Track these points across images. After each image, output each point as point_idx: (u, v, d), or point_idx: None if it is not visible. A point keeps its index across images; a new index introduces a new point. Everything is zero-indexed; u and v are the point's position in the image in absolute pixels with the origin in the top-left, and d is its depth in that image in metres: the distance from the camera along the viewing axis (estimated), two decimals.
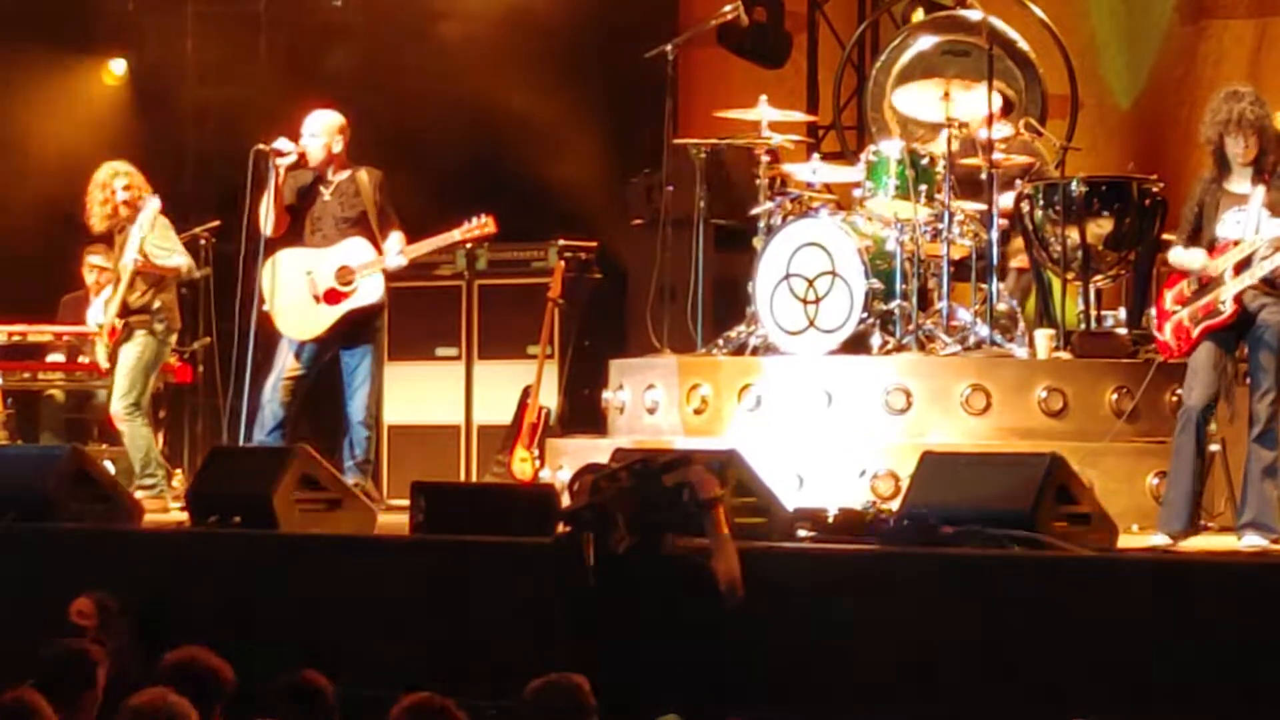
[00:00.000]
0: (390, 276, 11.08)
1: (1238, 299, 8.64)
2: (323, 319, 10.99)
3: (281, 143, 11.07)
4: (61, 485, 9.86)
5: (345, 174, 11.11)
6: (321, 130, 11.09)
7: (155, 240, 11.11)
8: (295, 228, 11.15)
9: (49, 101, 14.60)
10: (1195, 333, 8.76)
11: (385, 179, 11.18)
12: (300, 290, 11.00)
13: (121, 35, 15.28)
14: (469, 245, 12.42)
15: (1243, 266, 8.64)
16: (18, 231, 13.84)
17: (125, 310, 11.12)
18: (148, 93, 15.19)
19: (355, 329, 11.04)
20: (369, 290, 10.98)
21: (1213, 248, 8.77)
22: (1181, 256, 8.90)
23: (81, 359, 12.68)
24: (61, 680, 6.65)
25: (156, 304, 11.06)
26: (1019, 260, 11.40)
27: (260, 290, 11.04)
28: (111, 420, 11.33)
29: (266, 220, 11.03)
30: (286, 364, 11.03)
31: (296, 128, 11.21)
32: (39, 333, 12.76)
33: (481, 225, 11.31)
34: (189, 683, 6.38)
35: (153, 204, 11.12)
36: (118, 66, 15.28)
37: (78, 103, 14.86)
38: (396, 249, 11.00)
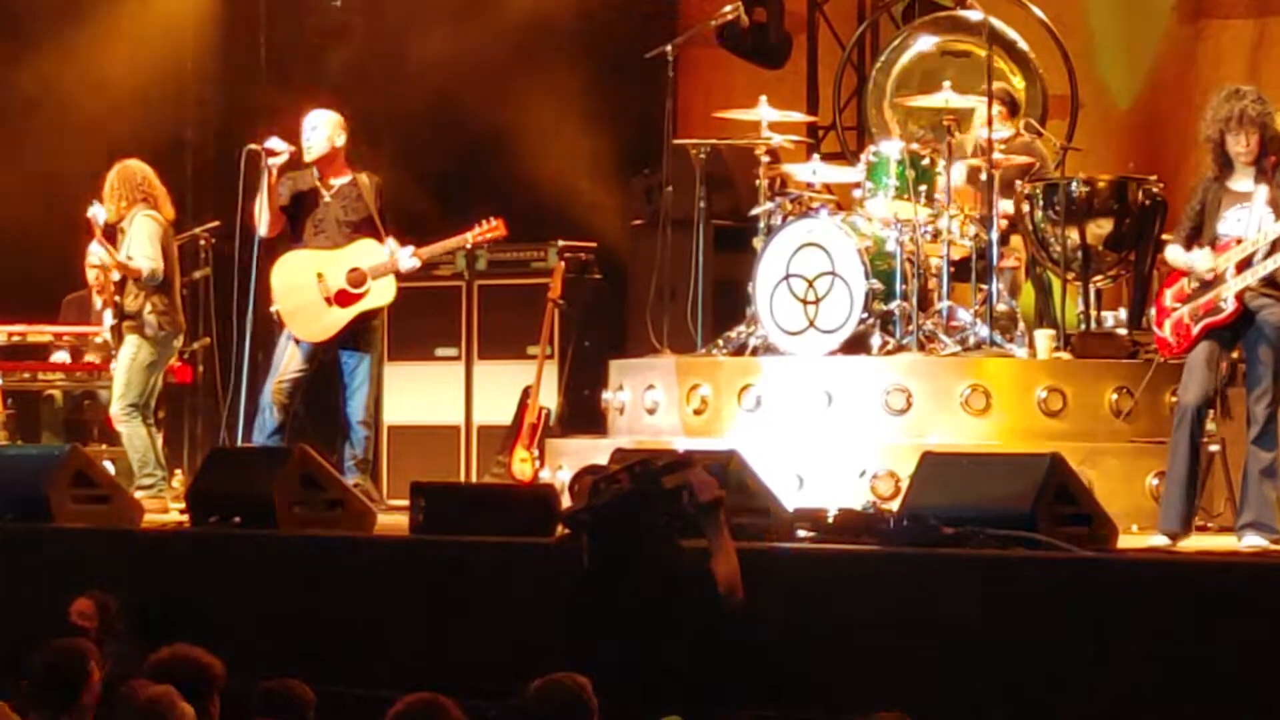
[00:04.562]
0: (402, 277, 11.11)
1: (1239, 297, 8.64)
2: (335, 321, 11.00)
3: (274, 142, 11.08)
4: (61, 485, 9.87)
5: (346, 178, 11.13)
6: (323, 124, 11.10)
7: (134, 246, 11.07)
8: (293, 229, 11.16)
9: (48, 101, 14.59)
10: (1195, 330, 8.75)
11: (384, 183, 11.21)
12: (311, 292, 11.01)
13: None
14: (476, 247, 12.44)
15: (1244, 265, 8.64)
16: (19, 231, 13.83)
17: (120, 314, 11.13)
18: (148, 93, 15.18)
19: (357, 330, 11.05)
20: (381, 292, 11.01)
21: (1214, 246, 8.76)
22: (1187, 258, 8.86)
23: (85, 359, 12.68)
24: (57, 681, 6.65)
25: (148, 307, 11.03)
26: (1011, 260, 11.42)
27: (270, 290, 11.05)
28: (110, 421, 11.35)
29: (260, 220, 11.03)
30: (286, 365, 11.03)
31: (296, 128, 11.22)
32: (39, 333, 12.76)
33: (492, 228, 11.40)
34: (176, 680, 6.38)
35: (142, 215, 11.08)
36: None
37: (77, 103, 14.85)
38: (407, 251, 11.03)
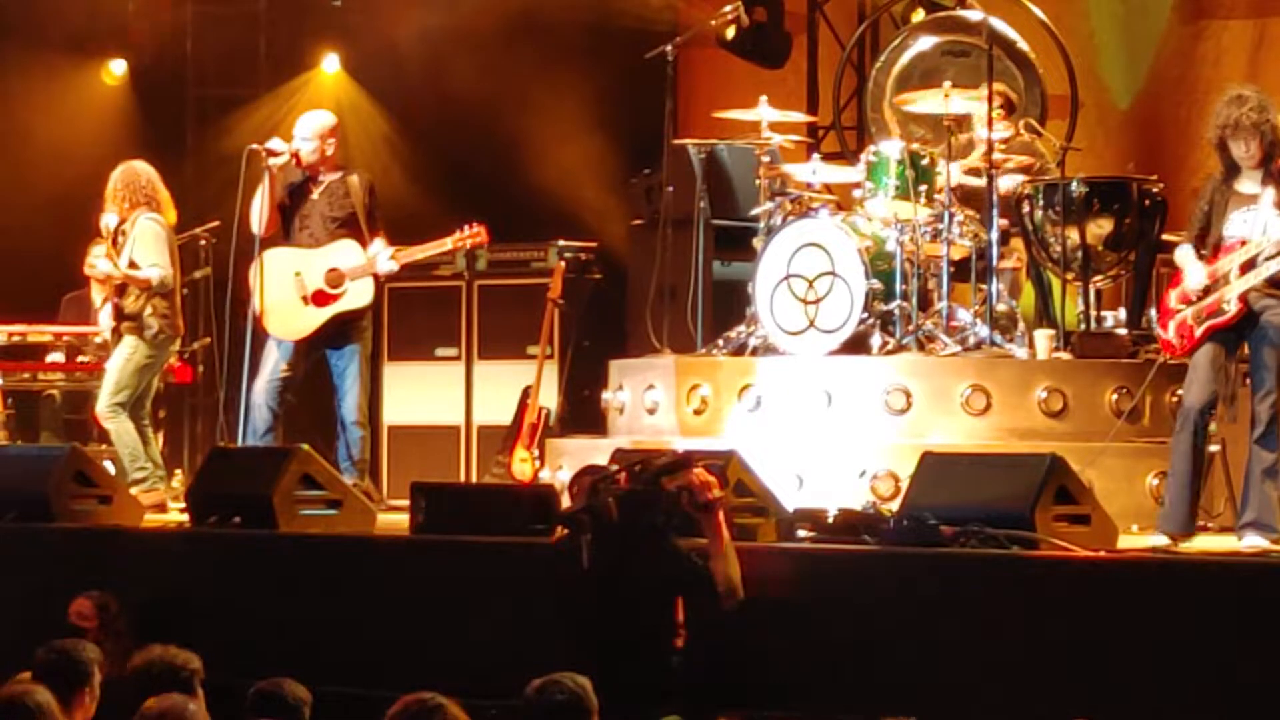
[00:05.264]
0: (381, 280, 11.09)
1: (1242, 298, 8.64)
2: (310, 320, 10.97)
3: (274, 143, 11.07)
4: (61, 485, 9.87)
5: (336, 175, 11.10)
6: (313, 133, 11.08)
7: (139, 250, 11.06)
8: (283, 225, 11.15)
9: (49, 102, 14.61)
10: (1199, 331, 8.75)
11: (375, 182, 11.19)
12: (288, 290, 10.99)
13: (121, 35, 15.28)
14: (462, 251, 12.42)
15: (1249, 266, 8.64)
16: (19, 231, 13.84)
17: (120, 315, 11.12)
18: (148, 93, 15.20)
19: (341, 330, 11.00)
20: (358, 294, 10.97)
21: (1219, 247, 8.77)
22: (1182, 263, 8.88)
23: (81, 359, 12.68)
24: (57, 681, 6.64)
25: (149, 310, 11.02)
26: (1011, 260, 11.42)
27: (250, 288, 11.04)
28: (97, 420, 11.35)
29: (258, 219, 11.02)
30: (274, 366, 11.01)
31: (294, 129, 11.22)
32: (39, 333, 12.76)
33: (474, 234, 11.32)
34: (157, 680, 6.37)
35: (145, 218, 11.08)
36: (118, 66, 15.29)
37: (78, 103, 14.86)
38: (386, 254, 10.99)
